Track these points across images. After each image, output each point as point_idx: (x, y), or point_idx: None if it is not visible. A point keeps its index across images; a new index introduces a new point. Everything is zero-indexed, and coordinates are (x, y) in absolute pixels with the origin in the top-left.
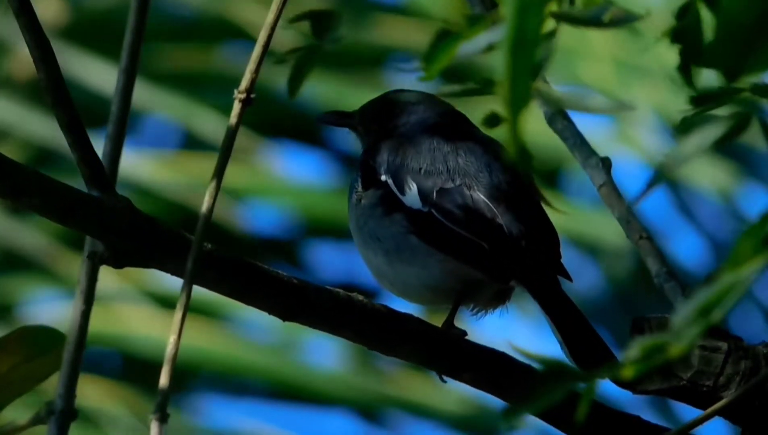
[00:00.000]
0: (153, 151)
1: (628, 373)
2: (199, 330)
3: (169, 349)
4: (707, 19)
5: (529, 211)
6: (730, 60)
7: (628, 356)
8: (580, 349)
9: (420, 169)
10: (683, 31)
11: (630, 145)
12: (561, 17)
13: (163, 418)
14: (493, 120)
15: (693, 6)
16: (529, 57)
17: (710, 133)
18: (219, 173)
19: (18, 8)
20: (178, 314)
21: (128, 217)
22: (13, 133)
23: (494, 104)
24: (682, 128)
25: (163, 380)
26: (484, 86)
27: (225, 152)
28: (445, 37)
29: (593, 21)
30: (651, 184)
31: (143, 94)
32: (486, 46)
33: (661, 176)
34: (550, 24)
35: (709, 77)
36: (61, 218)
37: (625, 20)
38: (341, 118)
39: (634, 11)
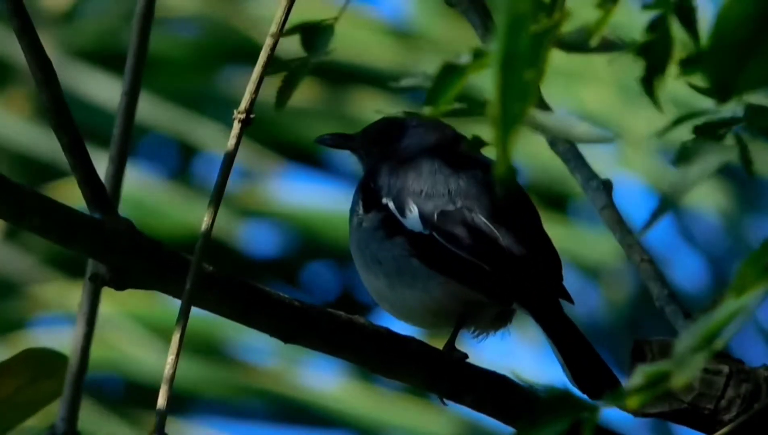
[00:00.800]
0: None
1: (632, 403)
2: (199, 353)
3: (167, 370)
4: (678, 35)
5: (530, 233)
6: (723, 77)
7: (631, 384)
8: (582, 371)
9: (421, 191)
10: (651, 46)
11: (631, 167)
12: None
13: None
14: (476, 144)
15: (663, 21)
16: (519, 74)
17: (711, 160)
18: (218, 193)
19: (20, 30)
20: (176, 335)
21: (129, 238)
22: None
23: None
24: (681, 157)
25: (161, 401)
26: (473, 107)
27: (224, 172)
28: (450, 71)
29: (580, 47)
30: (656, 214)
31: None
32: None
33: (666, 206)
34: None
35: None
36: (62, 239)
37: (613, 47)
38: (342, 140)
39: (623, 39)
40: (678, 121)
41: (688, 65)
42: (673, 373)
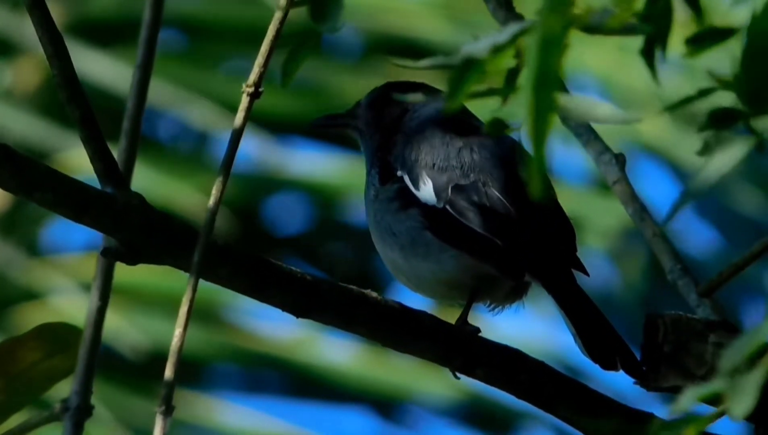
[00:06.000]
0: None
1: (692, 432)
2: (214, 324)
3: (174, 342)
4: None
5: (544, 205)
6: (756, 87)
7: (681, 406)
8: (594, 341)
9: (434, 164)
10: (651, 16)
11: (633, 132)
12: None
13: (168, 411)
14: (497, 126)
15: None
16: (551, 90)
17: (734, 152)
18: (227, 166)
19: (31, 4)
20: (183, 308)
21: (142, 213)
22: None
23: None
24: (704, 152)
25: (168, 373)
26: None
27: (232, 146)
28: (469, 66)
29: (599, 28)
30: (677, 205)
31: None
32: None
33: (688, 198)
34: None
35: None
36: (75, 214)
37: (631, 29)
38: (335, 119)
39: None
40: (688, 100)
41: (694, 43)
42: (726, 395)
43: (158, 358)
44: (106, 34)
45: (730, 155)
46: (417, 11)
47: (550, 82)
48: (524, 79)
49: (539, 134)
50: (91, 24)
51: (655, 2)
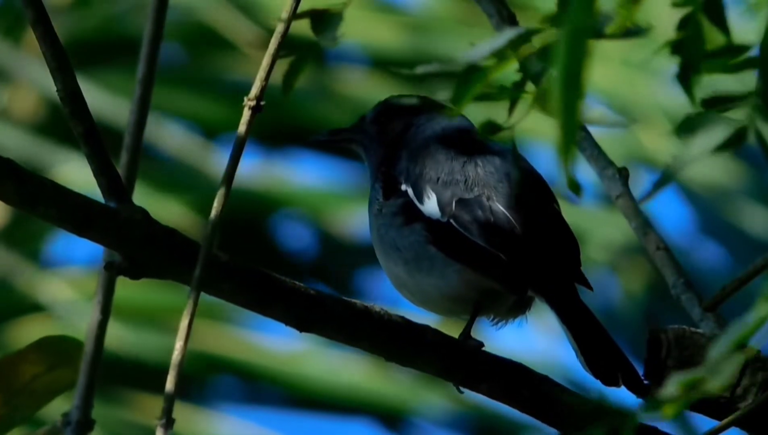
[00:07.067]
0: None
1: (668, 411)
2: (216, 336)
3: (175, 356)
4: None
5: (548, 220)
6: None
7: (666, 393)
8: (597, 358)
9: (438, 178)
10: (683, 43)
11: (637, 146)
12: None
13: (168, 424)
14: (491, 128)
15: (693, 18)
16: (578, 90)
17: (716, 134)
18: (228, 180)
19: (34, 18)
20: (184, 321)
21: (145, 227)
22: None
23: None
24: (684, 128)
25: (169, 386)
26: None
27: (234, 159)
28: (473, 72)
29: (598, 33)
30: (658, 185)
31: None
32: (492, 53)
33: (668, 178)
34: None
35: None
36: (78, 229)
37: (632, 33)
38: (339, 134)
39: (640, 24)
40: (693, 117)
41: (710, 60)
42: (707, 379)
43: (147, 371)
44: (87, 56)
45: (712, 137)
46: (373, 20)
47: (577, 82)
48: (552, 80)
49: (567, 135)
50: (75, 45)
51: (685, 26)
